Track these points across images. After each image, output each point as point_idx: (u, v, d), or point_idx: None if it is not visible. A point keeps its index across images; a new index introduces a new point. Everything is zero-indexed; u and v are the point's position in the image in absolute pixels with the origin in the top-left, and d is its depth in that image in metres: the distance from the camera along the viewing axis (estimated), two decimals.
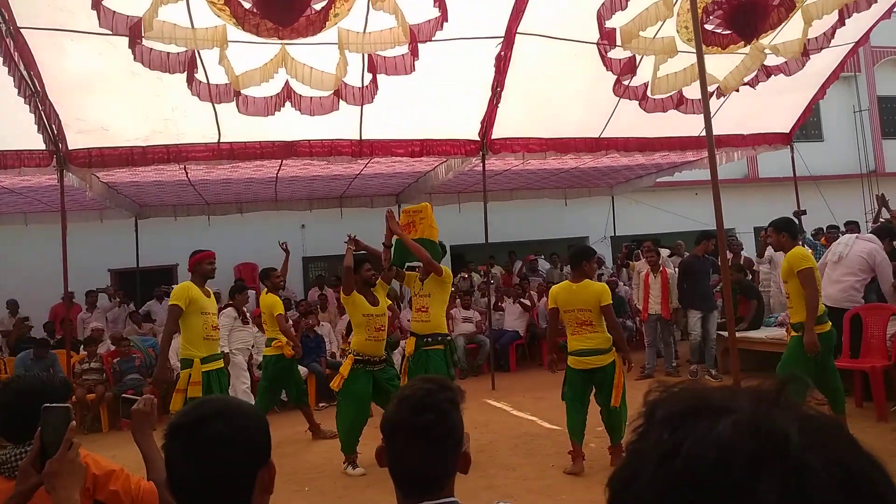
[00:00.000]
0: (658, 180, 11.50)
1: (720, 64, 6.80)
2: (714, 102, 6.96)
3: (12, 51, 5.12)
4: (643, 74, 6.73)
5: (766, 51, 6.74)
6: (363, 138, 7.04)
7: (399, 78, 6.03)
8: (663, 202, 13.82)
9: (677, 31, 6.32)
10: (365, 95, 6.23)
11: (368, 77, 6.11)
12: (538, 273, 11.52)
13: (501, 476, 4.72)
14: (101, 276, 11.36)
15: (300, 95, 6.07)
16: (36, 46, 5.27)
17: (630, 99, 6.88)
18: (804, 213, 9.28)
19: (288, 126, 6.46)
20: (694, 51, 6.34)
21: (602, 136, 7.78)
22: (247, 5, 5.09)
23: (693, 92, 6.98)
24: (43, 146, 6.12)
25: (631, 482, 0.50)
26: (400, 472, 1.36)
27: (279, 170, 8.19)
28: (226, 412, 1.22)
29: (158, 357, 5.39)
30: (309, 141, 6.83)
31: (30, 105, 5.63)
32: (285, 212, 11.18)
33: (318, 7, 5.29)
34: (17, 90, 5.40)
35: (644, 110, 6.98)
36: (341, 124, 6.65)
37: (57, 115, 5.87)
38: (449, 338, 5.27)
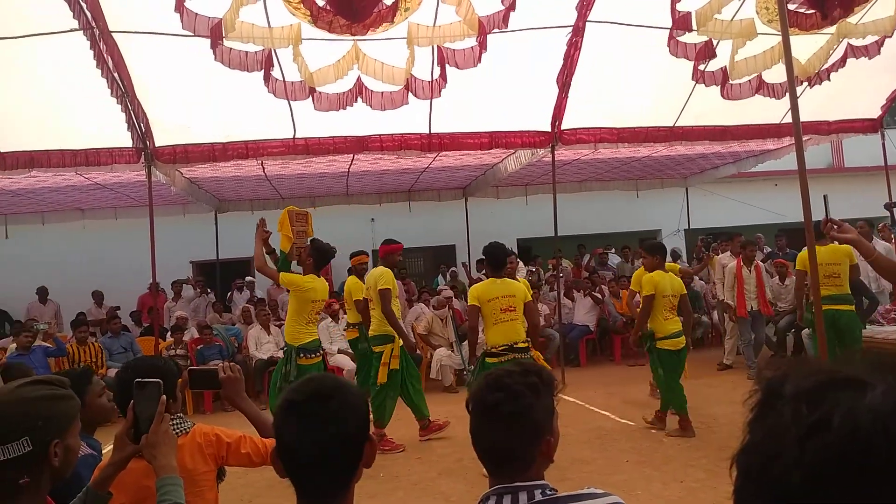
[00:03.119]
0: (737, 171, 11.05)
1: (801, 47, 6.47)
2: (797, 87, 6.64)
3: (104, 54, 5.44)
4: (720, 59, 6.49)
5: (851, 33, 6.37)
6: (432, 132, 7.10)
7: (467, 70, 6.04)
8: (740, 193, 13.30)
9: (757, 13, 6.06)
10: (434, 89, 6.28)
11: (437, 70, 6.16)
12: (608, 267, 11.32)
13: (575, 469, 4.69)
14: (183, 267, 11.95)
15: (371, 91, 6.18)
16: (124, 49, 5.58)
17: (708, 85, 6.64)
18: None
19: (359, 121, 6.59)
20: (773, 32, 6.13)
21: (676, 125, 7.55)
22: (321, 3, 5.22)
23: (773, 76, 6.69)
24: (132, 144, 6.47)
25: (771, 461, 0.50)
26: (476, 447, 1.41)
27: (351, 164, 8.36)
28: (339, 389, 1.28)
29: (399, 332, 5.75)
30: (380, 135, 6.94)
31: (120, 105, 5.97)
32: (356, 205, 11.41)
33: (388, 2, 5.37)
34: (108, 91, 5.74)
35: (724, 97, 6.72)
36: (411, 118, 6.73)
37: (144, 114, 6.19)
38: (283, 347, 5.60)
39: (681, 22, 5.84)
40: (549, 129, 7.31)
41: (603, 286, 9.82)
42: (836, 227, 2.75)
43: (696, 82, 6.72)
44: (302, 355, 5.19)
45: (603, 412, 6.44)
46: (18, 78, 5.66)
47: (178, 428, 2.10)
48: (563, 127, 7.25)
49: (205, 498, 2.09)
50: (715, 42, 6.27)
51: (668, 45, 6.10)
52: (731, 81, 6.72)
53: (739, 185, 13.12)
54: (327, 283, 5.48)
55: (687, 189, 12.60)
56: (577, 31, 6.07)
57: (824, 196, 3.04)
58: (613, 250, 12.09)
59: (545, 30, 6.09)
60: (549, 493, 1.35)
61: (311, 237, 5.57)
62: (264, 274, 5.39)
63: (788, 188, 14.24)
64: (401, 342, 5.73)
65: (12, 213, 10.17)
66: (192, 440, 2.09)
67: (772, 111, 7.44)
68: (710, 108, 7.18)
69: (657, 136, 7.60)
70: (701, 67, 6.51)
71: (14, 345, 7.62)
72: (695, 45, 6.21)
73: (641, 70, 6.71)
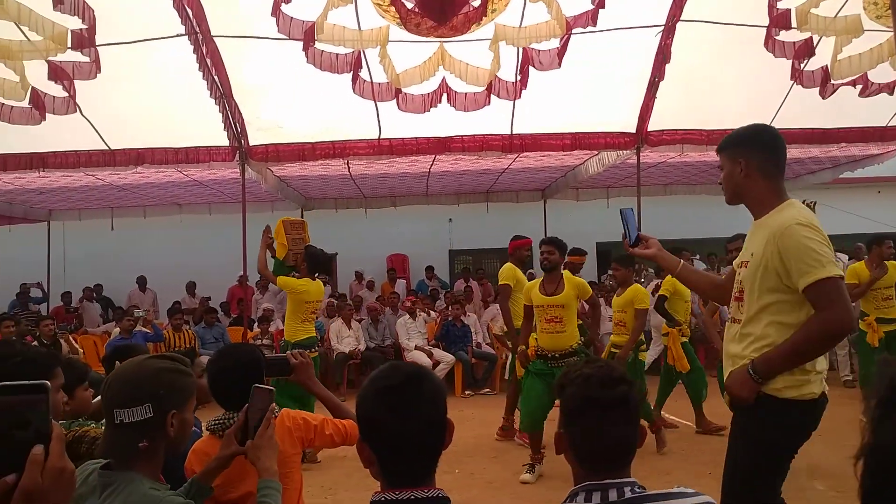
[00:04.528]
0: (835, 177, 10.43)
1: None
2: None
3: (206, 57, 5.75)
4: (821, 57, 6.16)
5: None
6: (514, 132, 7.09)
7: (552, 71, 6.01)
8: (838, 200, 12.54)
9: (864, 8, 5.71)
10: (517, 90, 6.27)
11: (521, 72, 6.15)
12: None
13: (654, 479, 4.58)
14: (270, 262, 12.43)
15: (455, 92, 6.25)
16: (224, 52, 5.88)
17: (806, 85, 6.32)
18: None
19: (442, 122, 6.68)
20: (883, 29, 5.75)
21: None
22: (409, 5, 5.32)
23: (880, 75, 6.29)
24: (228, 143, 6.82)
25: None
26: (590, 449, 1.39)
27: (432, 164, 8.47)
28: (426, 374, 1.33)
29: (508, 328, 6.00)
30: (461, 136, 7.01)
31: (218, 105, 6.30)
32: (434, 205, 11.54)
33: (475, 4, 5.41)
34: (208, 92, 6.07)
35: (824, 97, 6.38)
36: (493, 119, 6.75)
37: (240, 114, 6.51)
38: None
39: (779, 19, 5.59)
40: (633, 131, 7.16)
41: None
42: (644, 241, 2.66)
43: (795, 82, 6.40)
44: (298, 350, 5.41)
45: (683, 421, 6.25)
46: (129, 80, 6.06)
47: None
48: (650, 129, 7.09)
49: (293, 479, 2.19)
50: (816, 40, 5.96)
51: (766, 44, 5.84)
52: (832, 81, 6.37)
53: (838, 191, 12.41)
54: (322, 286, 5.90)
55: None
56: (669, 31, 5.91)
57: (621, 210, 2.79)
58: (698, 256, 11.67)
59: (632, 29, 5.97)
60: (638, 490, 1.34)
61: (306, 244, 6.05)
62: (264, 276, 5.91)
63: (893, 195, 13.35)
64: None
65: (118, 207, 10.91)
66: (282, 424, 2.17)
67: (877, 113, 6.99)
68: (809, 110, 6.82)
69: None
70: (800, 66, 6.20)
71: (117, 329, 8.18)
72: (793, 43, 5.92)
73: (734, 70, 6.46)
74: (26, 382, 0.94)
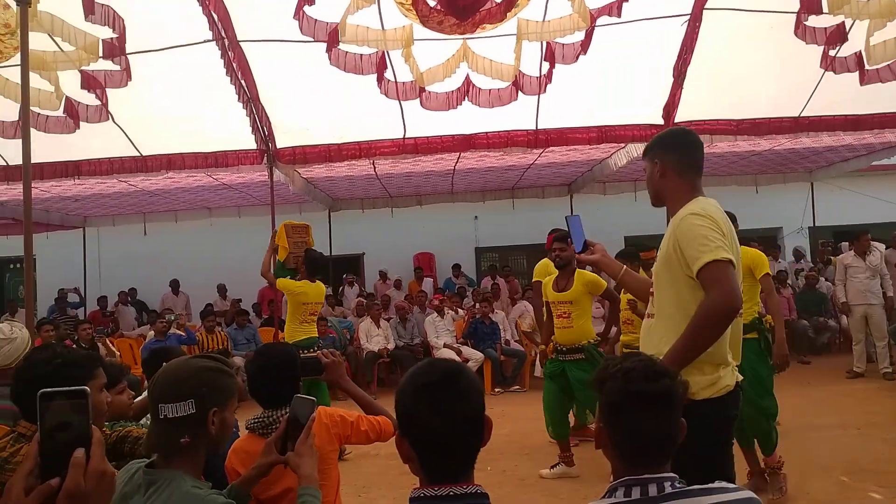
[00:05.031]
0: (870, 164, 10.18)
1: None
2: None
3: (233, 62, 5.83)
4: (854, 42, 6.01)
5: None
6: (539, 128, 7.06)
7: (576, 64, 5.96)
8: (873, 188, 12.27)
9: None
10: (542, 84, 6.24)
11: (546, 66, 6.12)
12: None
13: None
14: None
15: (479, 88, 6.23)
16: (250, 56, 5.95)
17: (839, 72, 6.17)
18: None
19: (466, 119, 6.67)
20: None
21: (802, 115, 7.07)
22: (431, 3, 5.33)
23: None
24: (255, 146, 6.90)
25: None
26: (631, 443, 1.38)
27: (457, 162, 8.47)
28: (463, 370, 1.34)
29: (538, 325, 6.05)
30: (486, 133, 6.99)
31: (246, 109, 6.38)
32: (460, 203, 11.54)
33: (497, 0, 5.39)
34: (236, 97, 6.15)
35: (861, 83, 6.22)
36: (517, 115, 6.72)
37: (268, 118, 6.58)
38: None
39: (810, 4, 5.47)
40: (661, 122, 7.07)
41: None
42: (591, 247, 2.68)
43: (826, 70, 6.26)
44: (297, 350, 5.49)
45: None
46: (158, 87, 6.17)
47: None
48: (677, 119, 6.99)
49: (330, 476, 2.22)
50: (848, 24, 5.82)
51: (796, 30, 5.72)
52: (867, 67, 6.21)
53: (874, 178, 12.12)
54: (323, 288, 6.01)
55: (812, 184, 11.76)
56: (696, 19, 5.83)
57: (566, 217, 2.77)
58: None
59: (657, 19, 5.89)
60: (678, 485, 1.33)
61: (308, 248, 6.21)
62: (266, 279, 6.06)
63: None
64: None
65: (150, 212, 11.12)
66: (319, 420, 2.19)
67: None
68: (842, 97, 6.66)
69: (781, 128, 7.15)
70: (832, 53, 6.05)
71: (152, 332, 8.34)
72: (825, 28, 5.79)
73: (763, 57, 6.33)
74: (67, 388, 0.97)
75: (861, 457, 4.81)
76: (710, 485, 1.34)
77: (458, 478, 1.28)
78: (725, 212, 3.84)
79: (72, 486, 0.90)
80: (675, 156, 2.41)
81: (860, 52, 6.03)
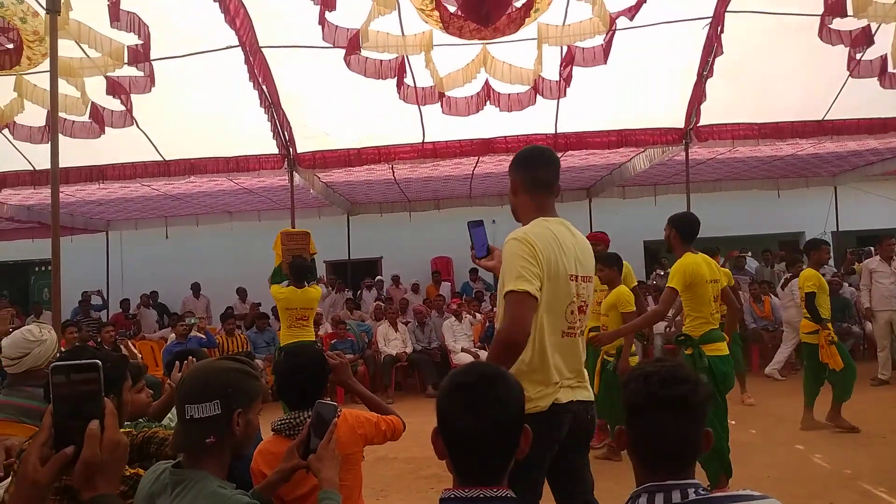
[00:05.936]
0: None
1: None
2: None
3: (255, 68, 5.89)
4: (880, 45, 5.93)
5: None
6: (558, 132, 7.05)
7: (596, 67, 5.94)
8: None
9: None
10: (561, 88, 6.23)
11: (565, 70, 6.11)
12: (744, 271, 10.66)
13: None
14: (317, 266, 12.65)
15: (499, 93, 6.24)
16: (272, 62, 6.01)
17: (863, 76, 6.09)
18: None
19: (485, 123, 6.68)
20: None
21: (826, 119, 6.99)
22: (451, 9, 5.35)
23: None
24: (276, 151, 6.97)
25: None
26: (649, 447, 1.38)
27: (475, 166, 8.48)
28: (503, 376, 1.35)
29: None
30: (505, 137, 7.00)
31: (267, 115, 6.45)
32: (478, 207, 11.53)
33: (518, 4, 5.40)
34: (258, 102, 6.22)
35: (883, 87, 6.14)
36: (537, 118, 6.72)
37: (288, 123, 6.65)
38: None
39: (834, 7, 5.40)
40: (681, 126, 7.03)
41: (739, 292, 9.25)
42: (490, 253, 2.66)
43: (851, 74, 6.18)
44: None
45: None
46: (181, 93, 6.26)
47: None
48: (699, 123, 6.94)
49: (354, 477, 2.24)
50: (874, 27, 5.74)
51: (820, 34, 5.65)
52: (890, 70, 6.12)
53: None
54: (315, 293, 6.10)
55: (835, 188, 11.59)
56: (717, 22, 5.79)
57: (468, 223, 2.70)
58: (750, 253, 11.37)
59: (678, 23, 5.86)
60: (702, 492, 1.32)
61: (295, 255, 6.49)
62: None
63: None
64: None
65: (172, 216, 11.27)
66: (346, 422, 2.22)
67: None
68: (867, 100, 6.57)
69: (804, 132, 7.07)
70: (858, 56, 5.97)
71: (173, 335, 8.44)
72: (850, 31, 5.72)
73: (786, 61, 6.28)
74: (79, 362, 1.02)
75: (887, 465, 4.73)
76: (736, 492, 1.33)
77: (489, 481, 1.29)
78: (690, 219, 3.84)
79: (89, 455, 0.97)
80: (522, 173, 2.45)
81: (885, 55, 5.95)
